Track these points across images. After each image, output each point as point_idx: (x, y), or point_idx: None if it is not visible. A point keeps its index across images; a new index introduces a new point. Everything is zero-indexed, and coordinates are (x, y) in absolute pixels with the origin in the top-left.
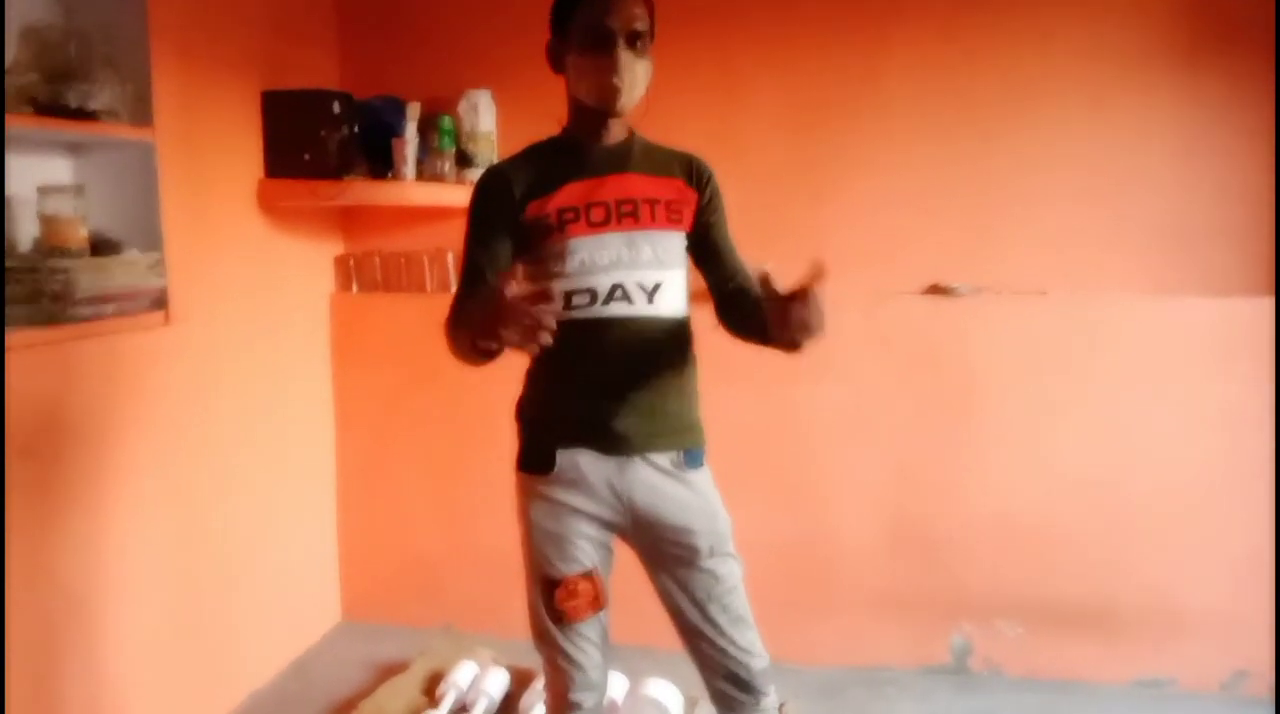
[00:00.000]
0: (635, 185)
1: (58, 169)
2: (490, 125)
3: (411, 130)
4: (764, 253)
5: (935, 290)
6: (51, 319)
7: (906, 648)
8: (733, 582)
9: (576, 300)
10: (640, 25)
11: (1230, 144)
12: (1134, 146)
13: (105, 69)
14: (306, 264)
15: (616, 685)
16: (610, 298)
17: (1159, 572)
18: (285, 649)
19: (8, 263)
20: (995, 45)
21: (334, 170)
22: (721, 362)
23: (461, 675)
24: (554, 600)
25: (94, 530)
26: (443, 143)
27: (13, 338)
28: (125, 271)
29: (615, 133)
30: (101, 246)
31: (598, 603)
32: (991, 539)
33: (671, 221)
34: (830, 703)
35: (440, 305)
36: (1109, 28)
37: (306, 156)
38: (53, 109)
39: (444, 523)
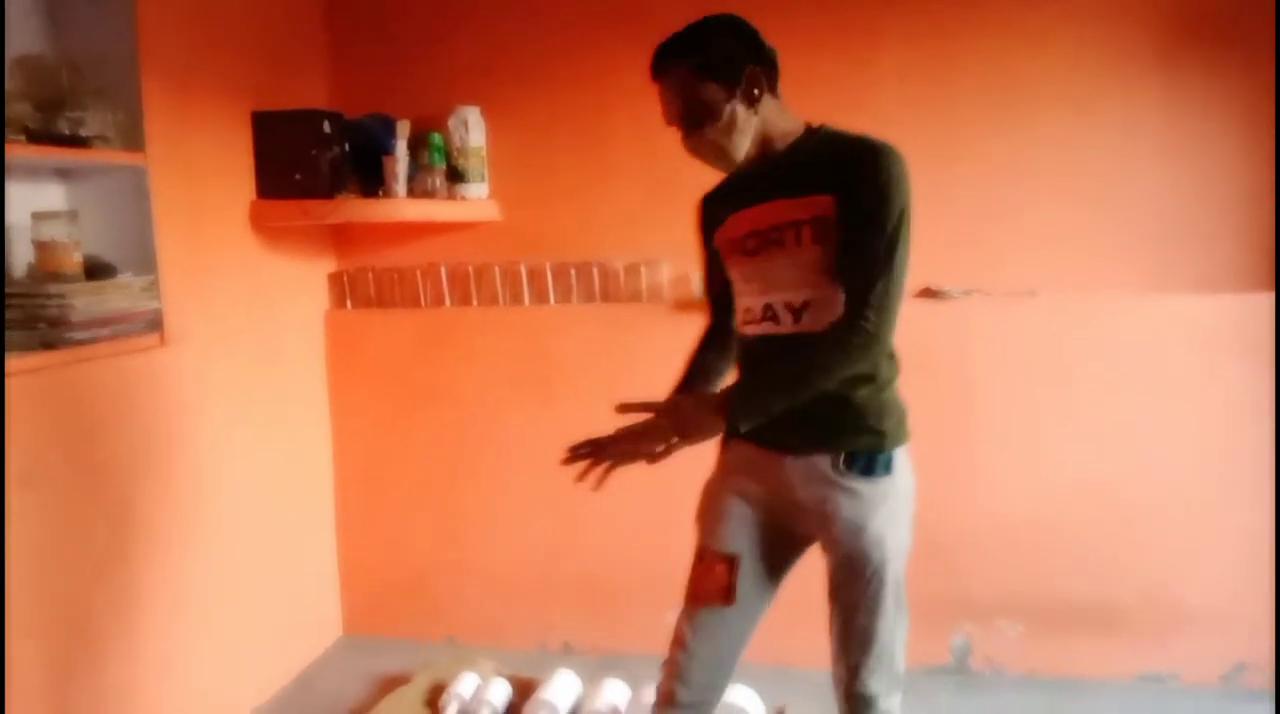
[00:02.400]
0: (782, 212)
1: (51, 195)
2: (480, 140)
3: (402, 148)
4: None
5: (927, 294)
6: (48, 344)
7: (908, 649)
8: (863, 600)
9: (743, 317)
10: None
11: (1215, 141)
12: (1120, 146)
13: (97, 97)
14: (300, 282)
15: None
16: (763, 317)
17: (1158, 568)
18: (287, 664)
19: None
20: (982, 47)
21: (326, 189)
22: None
23: (464, 687)
24: (692, 571)
25: (94, 552)
26: (433, 159)
27: (11, 363)
28: (120, 295)
29: (777, 146)
30: (96, 271)
31: (727, 596)
32: (990, 539)
33: (817, 241)
34: (832, 706)
35: (434, 320)
36: (1093, 28)
37: (298, 176)
38: (45, 137)
39: (444, 537)
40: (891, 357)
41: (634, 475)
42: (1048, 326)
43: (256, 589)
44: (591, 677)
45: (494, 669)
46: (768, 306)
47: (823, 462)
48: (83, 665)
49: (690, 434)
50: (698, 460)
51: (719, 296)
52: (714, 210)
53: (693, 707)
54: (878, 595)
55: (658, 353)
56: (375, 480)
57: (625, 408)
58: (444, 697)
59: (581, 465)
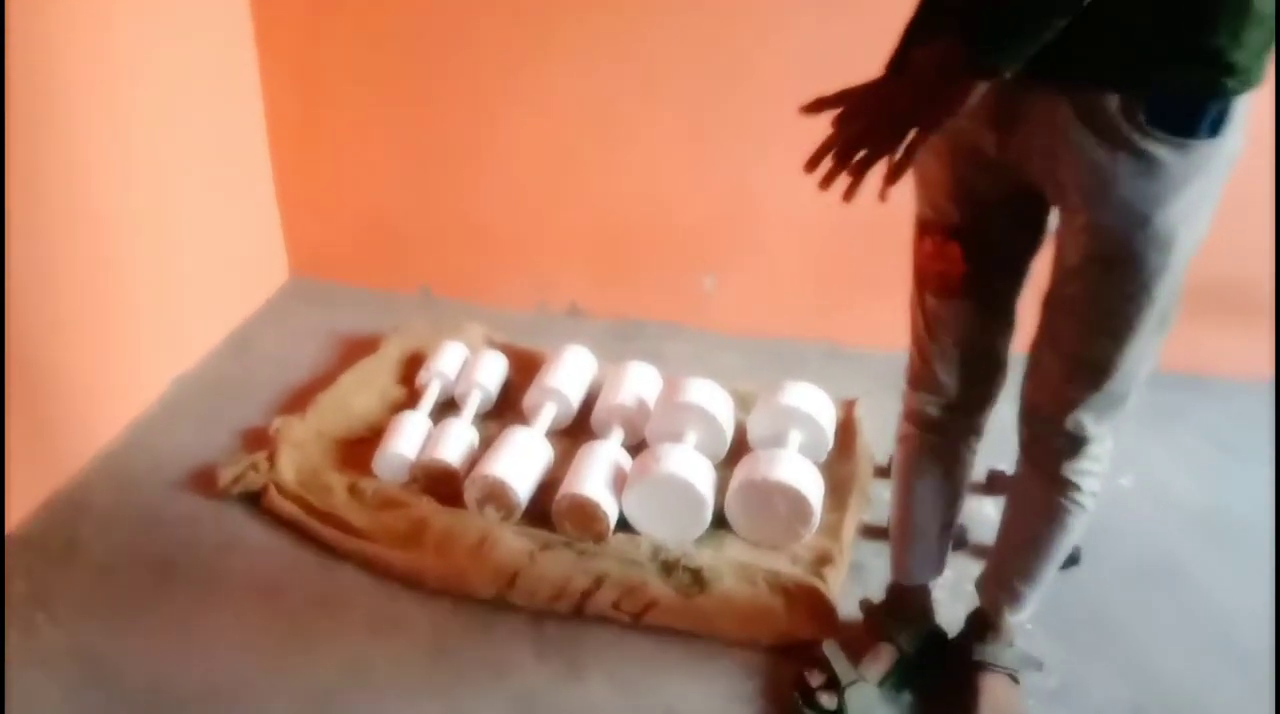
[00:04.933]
0: None
1: None
2: None
3: None
4: None
5: None
6: None
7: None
8: (1113, 320)
9: None
10: None
11: None
12: None
13: None
14: None
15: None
16: None
17: None
18: (221, 320)
19: None
20: None
21: None
22: None
23: (446, 361)
24: (914, 246)
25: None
26: None
27: None
28: None
29: None
30: None
31: (958, 286)
32: None
33: None
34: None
35: None
36: None
37: None
38: None
39: (411, 169)
40: None
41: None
42: None
43: (177, 229)
44: (603, 345)
45: (484, 338)
46: None
47: (1108, 106)
48: None
49: (935, 102)
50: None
51: None
52: None
53: (945, 416)
54: (1138, 315)
55: None
56: (316, 90)
57: (817, 105)
58: (422, 372)
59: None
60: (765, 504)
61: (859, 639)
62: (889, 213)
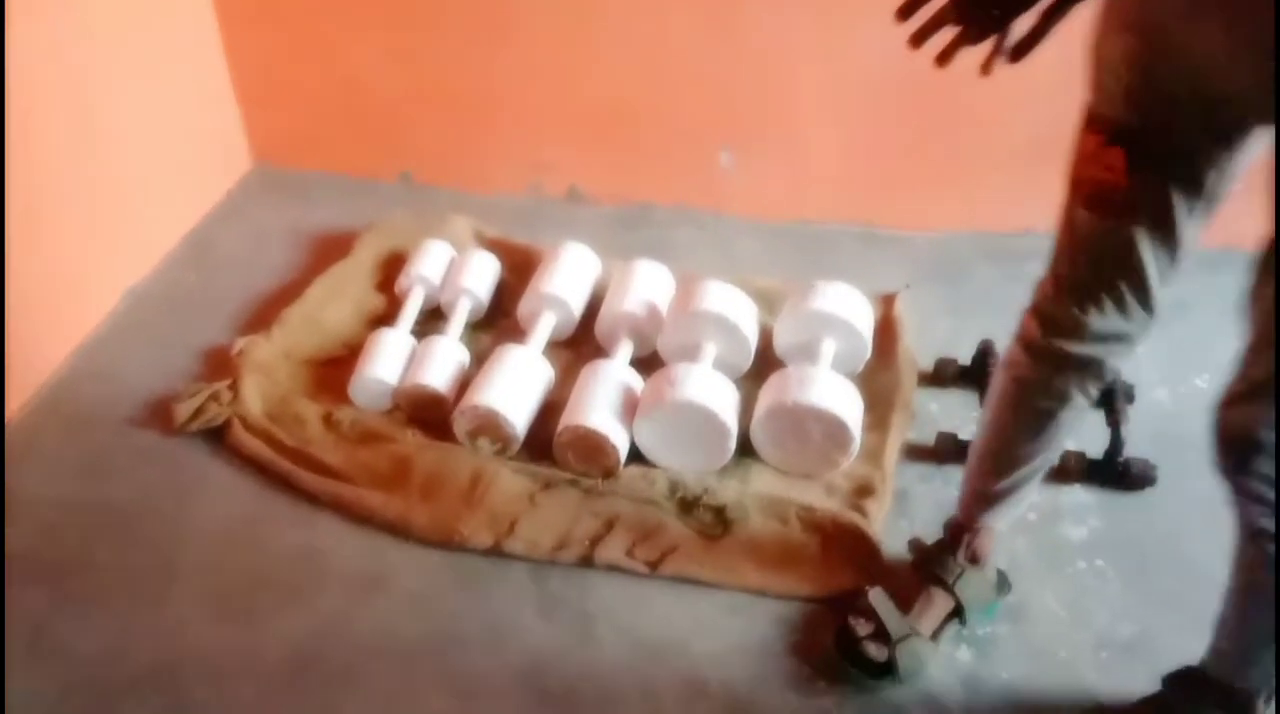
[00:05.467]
0: None
1: None
2: None
3: None
4: None
5: None
6: None
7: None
8: None
9: None
10: None
11: None
12: None
13: None
14: None
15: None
16: None
17: None
18: (177, 220)
19: None
20: None
21: None
22: None
23: (430, 263)
24: (1075, 143)
25: None
26: None
27: None
28: None
29: None
30: None
31: (1110, 202)
32: None
33: None
34: (950, 278)
35: None
36: None
37: None
38: None
39: (382, 28)
40: None
41: None
42: None
43: (120, 119)
44: (606, 235)
45: (472, 233)
46: None
47: None
48: None
49: None
50: None
51: None
52: None
53: (1072, 341)
54: None
55: None
56: None
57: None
58: (402, 277)
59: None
60: (796, 430)
61: (907, 584)
62: (939, 78)
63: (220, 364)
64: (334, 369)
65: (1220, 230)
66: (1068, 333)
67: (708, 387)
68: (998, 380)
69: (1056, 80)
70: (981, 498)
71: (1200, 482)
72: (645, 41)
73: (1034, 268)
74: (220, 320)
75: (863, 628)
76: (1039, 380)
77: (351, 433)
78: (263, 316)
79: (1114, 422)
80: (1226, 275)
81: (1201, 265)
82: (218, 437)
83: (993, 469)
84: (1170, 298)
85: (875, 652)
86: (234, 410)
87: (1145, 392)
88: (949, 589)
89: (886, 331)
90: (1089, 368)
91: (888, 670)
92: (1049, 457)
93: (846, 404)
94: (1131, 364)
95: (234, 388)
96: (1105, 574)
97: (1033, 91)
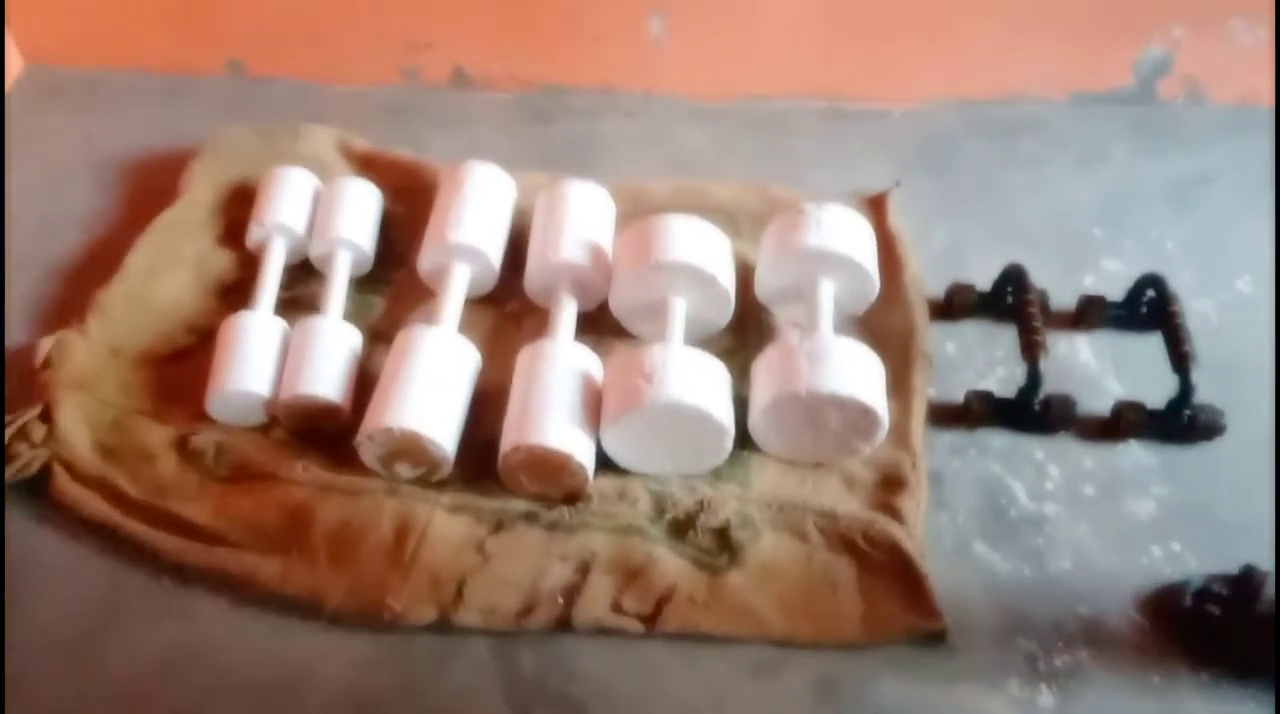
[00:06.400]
0: None
1: None
2: None
3: None
4: None
5: None
6: None
7: (1056, 68)
8: None
9: None
10: None
11: None
12: None
13: None
14: None
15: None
16: None
17: None
18: None
19: None
20: None
21: None
22: None
23: (287, 202)
24: None
25: None
26: None
27: None
28: None
29: None
30: None
31: None
32: None
33: None
34: (939, 164)
35: None
36: None
37: None
38: None
39: None
40: None
41: None
42: None
43: None
44: (511, 132)
45: (338, 149)
46: None
47: None
48: None
49: None
50: None
51: None
52: None
53: None
54: None
55: None
56: None
57: None
58: (254, 226)
59: None
60: (810, 420)
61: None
62: None
63: (21, 379)
64: (181, 367)
65: (1238, 82)
66: None
67: (694, 376)
68: None
69: None
70: None
71: (1263, 422)
72: None
73: (1028, 144)
74: (16, 305)
75: None
76: None
77: (219, 467)
78: (71, 298)
79: (1181, 362)
80: (1247, 139)
81: (1218, 128)
82: (37, 491)
83: None
84: (1189, 171)
85: None
86: (52, 450)
87: (1186, 305)
88: None
89: (887, 253)
90: None
91: None
92: None
93: (871, 383)
94: (1165, 265)
95: (47, 416)
96: (1184, 562)
97: None
